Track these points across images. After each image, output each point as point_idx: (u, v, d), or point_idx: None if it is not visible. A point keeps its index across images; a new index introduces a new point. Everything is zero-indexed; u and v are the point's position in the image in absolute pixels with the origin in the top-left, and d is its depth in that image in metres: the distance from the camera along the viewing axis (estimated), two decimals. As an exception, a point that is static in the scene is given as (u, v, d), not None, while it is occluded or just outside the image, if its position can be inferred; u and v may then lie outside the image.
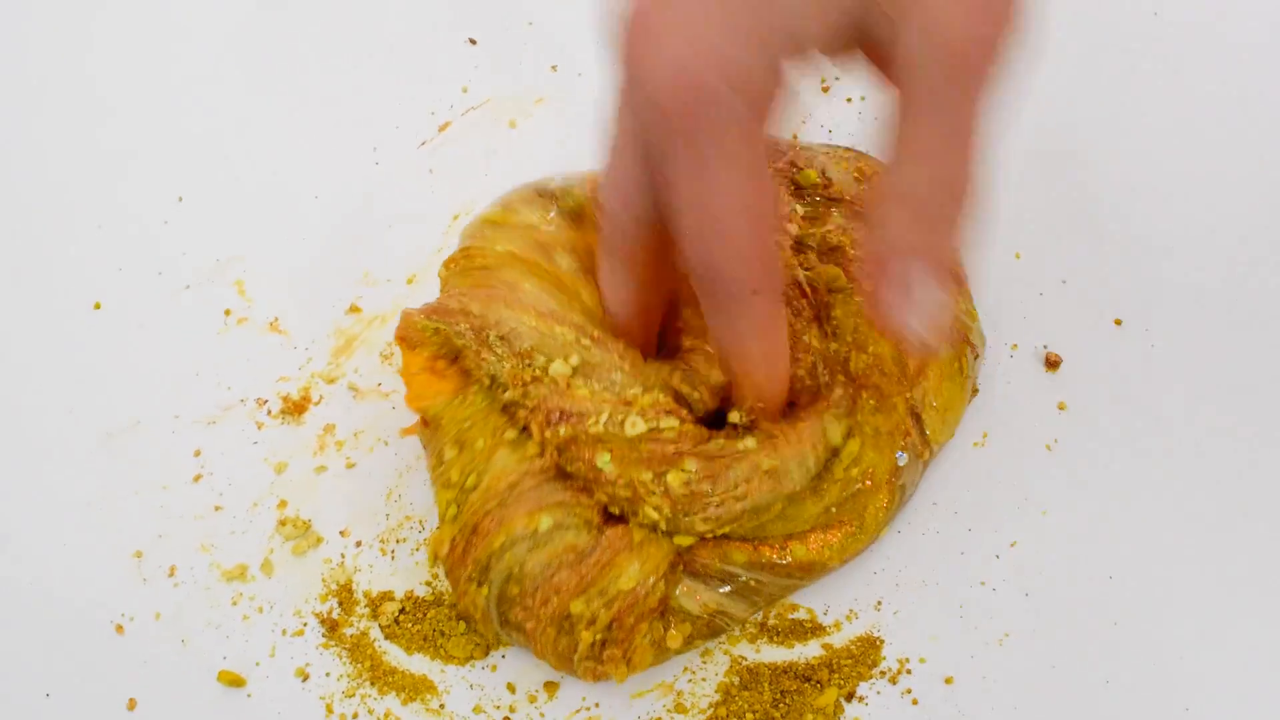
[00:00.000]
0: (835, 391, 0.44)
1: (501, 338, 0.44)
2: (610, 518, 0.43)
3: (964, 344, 0.47)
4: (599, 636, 0.43)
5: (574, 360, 0.43)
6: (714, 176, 0.35)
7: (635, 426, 0.42)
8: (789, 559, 0.44)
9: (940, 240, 0.37)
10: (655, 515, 0.42)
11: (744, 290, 0.38)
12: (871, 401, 0.45)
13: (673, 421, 0.42)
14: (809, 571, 0.45)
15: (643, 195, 0.39)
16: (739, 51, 0.34)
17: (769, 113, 0.36)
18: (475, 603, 0.44)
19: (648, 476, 0.41)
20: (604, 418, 0.42)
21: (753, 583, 0.44)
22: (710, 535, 0.43)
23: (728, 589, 0.44)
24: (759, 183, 0.36)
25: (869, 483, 0.44)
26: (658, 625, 0.43)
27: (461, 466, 0.44)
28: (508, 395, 0.43)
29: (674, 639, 0.44)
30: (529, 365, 0.43)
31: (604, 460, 0.42)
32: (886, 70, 0.36)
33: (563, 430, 0.42)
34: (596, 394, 0.43)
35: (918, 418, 0.46)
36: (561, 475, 0.43)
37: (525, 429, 0.43)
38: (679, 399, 0.43)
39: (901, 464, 0.45)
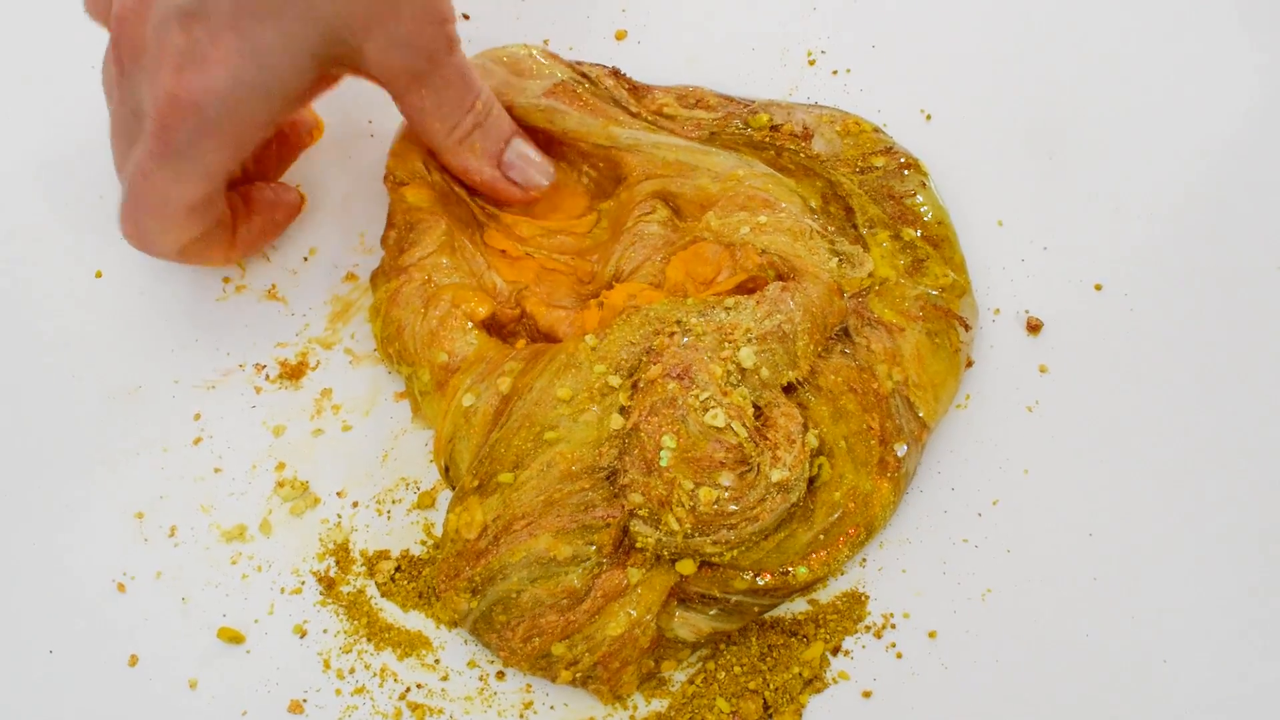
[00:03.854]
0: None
1: None
2: (619, 544, 0.43)
3: (949, 318, 0.48)
4: (579, 676, 0.43)
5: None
6: None
7: (715, 419, 0.42)
8: (792, 581, 0.44)
9: None
10: (676, 527, 0.42)
11: None
12: (826, 409, 0.45)
13: (743, 431, 0.42)
14: (814, 583, 0.45)
15: None
16: None
17: None
18: (457, 607, 0.44)
19: (689, 485, 0.41)
20: (706, 395, 0.42)
21: (756, 608, 0.45)
22: (715, 559, 0.43)
23: (722, 611, 0.44)
24: None
25: (852, 505, 0.44)
26: (648, 661, 0.43)
27: (551, 408, 0.43)
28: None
29: (669, 666, 0.44)
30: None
31: (669, 442, 0.41)
32: None
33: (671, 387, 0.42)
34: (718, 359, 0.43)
35: (907, 401, 0.46)
36: (611, 478, 0.43)
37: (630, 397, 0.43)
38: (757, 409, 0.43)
39: (901, 455, 0.45)
